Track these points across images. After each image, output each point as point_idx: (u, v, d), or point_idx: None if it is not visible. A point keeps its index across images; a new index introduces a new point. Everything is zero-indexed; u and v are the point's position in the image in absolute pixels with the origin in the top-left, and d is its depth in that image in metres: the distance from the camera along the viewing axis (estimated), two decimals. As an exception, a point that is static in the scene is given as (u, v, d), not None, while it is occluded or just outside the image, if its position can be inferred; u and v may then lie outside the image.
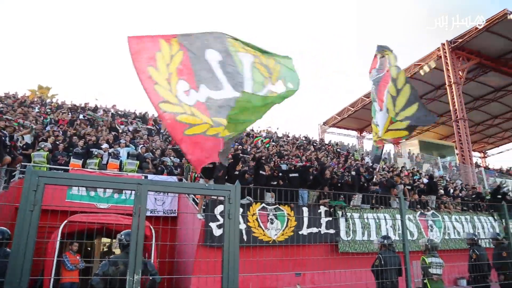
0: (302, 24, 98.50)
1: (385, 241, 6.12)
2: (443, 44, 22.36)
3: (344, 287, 9.09)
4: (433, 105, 29.36)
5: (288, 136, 25.64)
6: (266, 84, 5.23)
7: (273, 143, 21.13)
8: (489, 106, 30.65)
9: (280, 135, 25.45)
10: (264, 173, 9.83)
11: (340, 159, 20.20)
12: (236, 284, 3.41)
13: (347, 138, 35.10)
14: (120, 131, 16.36)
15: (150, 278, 4.42)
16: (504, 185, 24.12)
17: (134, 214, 3.14)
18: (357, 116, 32.73)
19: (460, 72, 22.20)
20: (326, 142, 28.55)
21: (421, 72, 23.35)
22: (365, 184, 11.22)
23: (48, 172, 5.34)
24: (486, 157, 42.34)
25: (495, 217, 14.63)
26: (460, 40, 21.55)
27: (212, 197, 9.35)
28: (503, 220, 14.74)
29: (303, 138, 25.73)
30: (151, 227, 8.65)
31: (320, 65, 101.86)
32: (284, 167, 11.43)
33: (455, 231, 13.03)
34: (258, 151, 15.87)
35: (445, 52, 22.13)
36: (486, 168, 32.41)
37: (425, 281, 6.15)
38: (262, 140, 21.00)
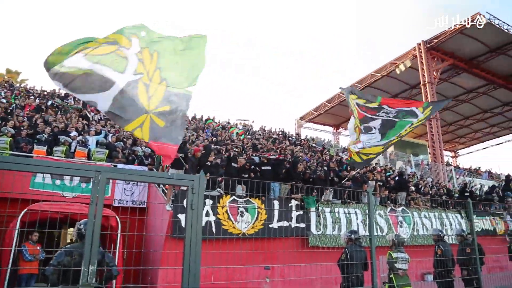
0: (302, 24, 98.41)
1: (352, 236, 6.11)
2: (419, 44, 22.71)
3: (313, 281, 9.13)
4: (407, 104, 29.89)
5: (264, 130, 25.56)
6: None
7: (249, 136, 21.01)
8: (461, 107, 31.45)
9: (256, 128, 25.34)
10: (236, 165, 9.70)
11: (315, 154, 20.26)
12: (198, 277, 3.27)
13: (323, 133, 35.31)
14: (91, 119, 15.88)
15: (108, 270, 4.22)
16: (472, 184, 24.94)
17: (91, 202, 2.96)
18: (334, 112, 32.96)
19: (434, 72, 22.63)
20: (303, 137, 28.62)
21: (397, 71, 23.69)
22: (335, 179, 11.23)
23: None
24: (457, 156, 43.51)
25: (462, 215, 14.97)
26: (435, 41, 21.95)
27: (182, 188, 9.19)
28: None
29: (280, 132, 25.70)
30: (117, 218, 8.41)
31: (320, 65, 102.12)
32: (256, 159, 11.34)
33: (424, 227, 13.26)
34: (232, 143, 15.67)
35: (421, 52, 22.49)
36: (457, 167, 33.34)
37: (390, 276, 6.18)
38: (236, 132, 20.85)
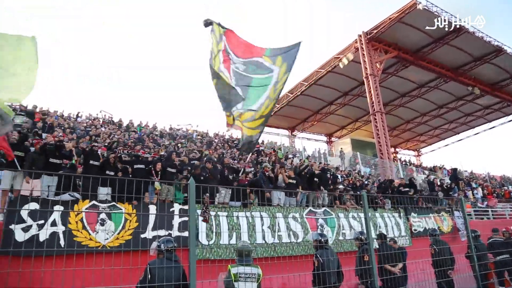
0: (241, 23, 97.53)
1: (162, 246, 4.39)
2: (360, 36, 21.50)
3: (205, 301, 7.37)
4: (358, 101, 28.76)
5: (206, 134, 23.84)
6: None
7: (182, 140, 19.29)
8: (416, 103, 30.55)
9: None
10: (96, 163, 7.89)
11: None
12: None
13: (277, 137, 33.47)
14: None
15: None
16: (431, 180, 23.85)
17: None
18: (286, 114, 31.43)
19: (377, 64, 21.42)
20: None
21: (340, 65, 22.40)
22: (231, 177, 9.49)
23: None
24: (420, 155, 42.81)
25: (401, 214, 13.54)
26: (375, 31, 20.74)
27: (22, 193, 7.34)
28: (409, 217, 13.74)
29: (221, 136, 24.03)
30: None
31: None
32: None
33: (352, 230, 11.69)
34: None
35: (362, 44, 21.28)
36: (419, 166, 32.44)
37: (232, 300, 4.48)
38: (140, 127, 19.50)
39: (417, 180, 21.64)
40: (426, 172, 28.38)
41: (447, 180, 18.75)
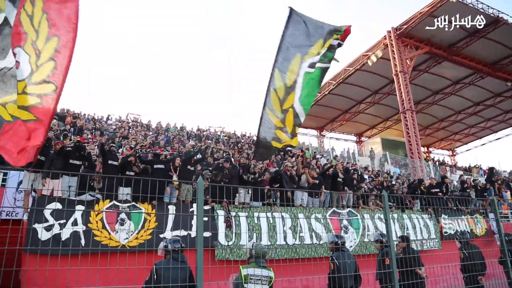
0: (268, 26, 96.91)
1: (169, 246, 4.34)
2: (389, 32, 20.83)
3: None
4: (389, 100, 27.89)
5: (241, 136, 23.95)
6: None
7: (209, 141, 19.41)
8: (450, 100, 29.29)
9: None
10: (115, 163, 8.00)
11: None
12: None
13: (306, 137, 33.22)
14: None
15: None
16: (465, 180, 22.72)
17: None
18: (316, 114, 30.96)
19: (408, 61, 20.68)
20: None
21: (369, 63, 21.80)
22: (245, 177, 9.35)
23: None
24: (455, 155, 41.15)
25: (432, 215, 12.97)
26: (405, 27, 20.02)
27: (43, 192, 7.55)
28: (439, 218, 13.12)
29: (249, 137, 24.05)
30: None
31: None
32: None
33: (376, 231, 11.32)
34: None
35: (391, 40, 20.61)
36: (453, 166, 31.23)
37: (239, 302, 4.34)
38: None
39: (451, 180, 20.74)
40: (460, 172, 27.23)
41: (482, 181, 17.80)
